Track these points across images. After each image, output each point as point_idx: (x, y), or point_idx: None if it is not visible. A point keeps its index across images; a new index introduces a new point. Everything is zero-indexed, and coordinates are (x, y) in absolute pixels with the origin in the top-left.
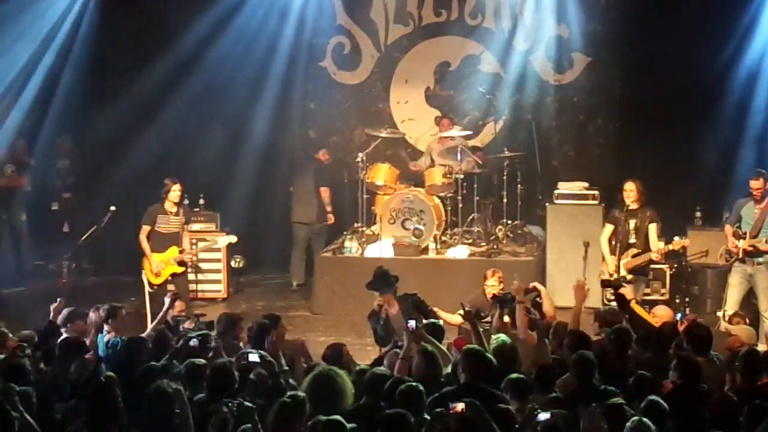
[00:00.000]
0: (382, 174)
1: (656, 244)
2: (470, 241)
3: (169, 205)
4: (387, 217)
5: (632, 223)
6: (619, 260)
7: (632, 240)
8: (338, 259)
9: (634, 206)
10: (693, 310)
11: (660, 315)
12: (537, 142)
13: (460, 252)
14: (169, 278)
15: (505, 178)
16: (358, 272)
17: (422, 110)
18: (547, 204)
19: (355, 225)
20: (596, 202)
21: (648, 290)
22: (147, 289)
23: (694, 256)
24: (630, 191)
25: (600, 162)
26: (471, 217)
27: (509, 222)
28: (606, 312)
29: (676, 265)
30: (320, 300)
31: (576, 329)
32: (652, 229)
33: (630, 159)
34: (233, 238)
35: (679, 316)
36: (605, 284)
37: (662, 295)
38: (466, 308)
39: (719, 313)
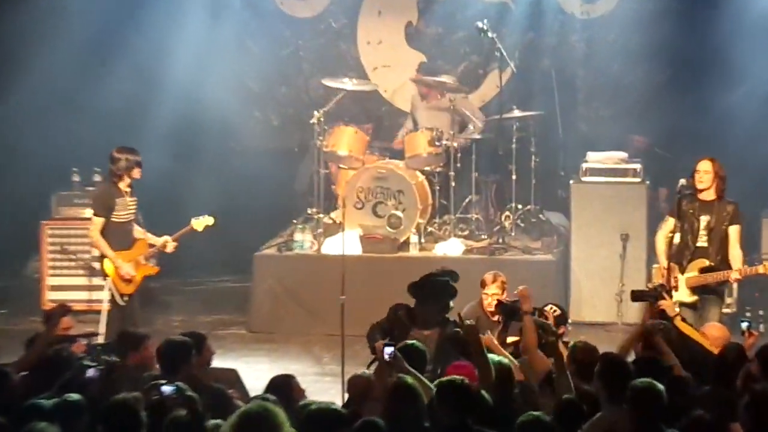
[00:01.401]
0: (346, 140)
1: (738, 257)
2: (466, 232)
3: (124, 185)
4: (353, 200)
5: (704, 220)
6: (678, 271)
7: (701, 243)
8: (285, 258)
9: (709, 197)
10: None
11: (713, 336)
12: (558, 97)
13: (452, 248)
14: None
15: (514, 147)
16: (313, 276)
17: (401, 54)
18: (571, 182)
19: (309, 211)
20: (638, 179)
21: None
22: (107, 306)
23: None
24: (704, 174)
25: (643, 125)
26: (467, 199)
27: (519, 207)
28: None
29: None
30: (261, 313)
31: (611, 353)
32: (733, 233)
33: (685, 121)
34: (210, 220)
35: (745, 325)
36: (636, 297)
37: (728, 305)
38: (466, 322)
39: None
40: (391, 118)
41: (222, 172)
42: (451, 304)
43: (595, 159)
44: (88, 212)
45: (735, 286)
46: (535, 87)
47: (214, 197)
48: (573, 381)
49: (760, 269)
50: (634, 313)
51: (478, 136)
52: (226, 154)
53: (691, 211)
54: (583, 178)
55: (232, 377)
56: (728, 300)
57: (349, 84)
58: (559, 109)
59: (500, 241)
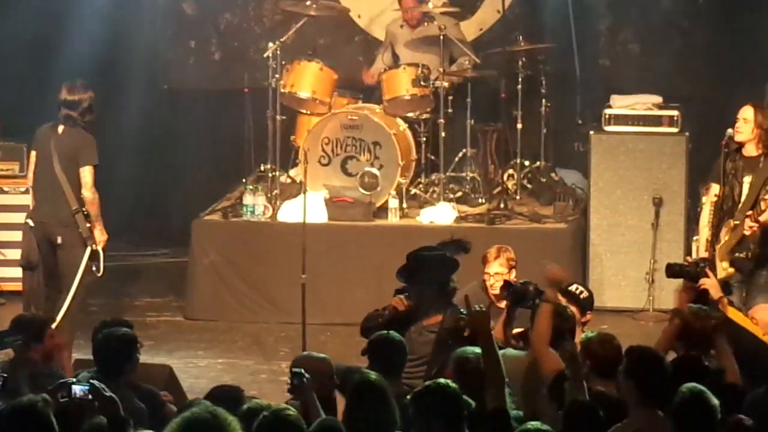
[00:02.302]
0: (308, 79)
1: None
2: (459, 195)
3: None
4: (317, 154)
5: (747, 182)
6: (713, 242)
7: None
8: (232, 227)
9: (753, 152)
10: None
11: (762, 320)
12: (575, 26)
13: (441, 214)
14: None
15: (519, 88)
16: (267, 249)
17: None
18: (591, 132)
19: (262, 167)
20: (676, 129)
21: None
22: (83, 276)
23: None
24: (743, 123)
25: (684, 62)
26: (461, 154)
27: (526, 164)
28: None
29: None
30: (201, 297)
31: (642, 347)
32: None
33: (732, 54)
34: None
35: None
36: (674, 273)
37: None
38: (475, 306)
39: None
40: (367, 52)
41: (152, 119)
42: (453, 282)
43: (621, 104)
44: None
45: None
46: (547, 12)
47: (142, 151)
48: (587, 380)
49: None
50: (668, 297)
51: (474, 74)
52: (156, 97)
53: (733, 171)
54: (606, 128)
55: (164, 376)
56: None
57: (312, 7)
58: (576, 40)
59: (502, 206)
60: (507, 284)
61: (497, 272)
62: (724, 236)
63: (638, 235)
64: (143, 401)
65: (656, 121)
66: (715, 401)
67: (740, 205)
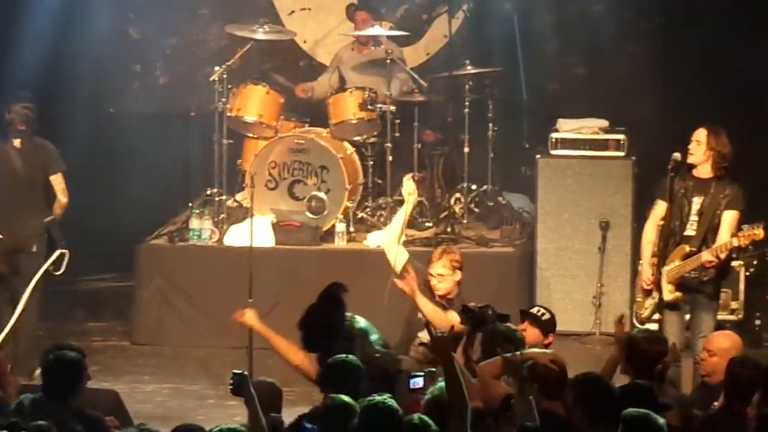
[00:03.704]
0: (255, 103)
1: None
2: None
3: None
4: (264, 178)
5: (696, 203)
6: (659, 263)
7: (690, 231)
8: (178, 250)
9: (705, 174)
10: None
11: (719, 348)
12: (522, 50)
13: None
14: None
15: (467, 111)
16: (213, 273)
17: None
18: (538, 156)
19: (208, 191)
20: (622, 153)
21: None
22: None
23: None
24: (696, 145)
25: (631, 86)
26: (409, 177)
27: (474, 188)
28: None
29: (755, 262)
30: (147, 321)
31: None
32: (728, 219)
33: (681, 79)
34: None
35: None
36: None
37: (733, 312)
38: (436, 333)
39: None
40: (310, 77)
41: (98, 143)
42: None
43: (567, 128)
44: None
45: (742, 287)
46: (494, 36)
47: (88, 175)
48: (536, 401)
49: (735, 242)
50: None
51: (421, 98)
52: (102, 121)
53: (682, 191)
54: (553, 152)
55: (110, 401)
56: (734, 305)
57: (259, 32)
58: (523, 64)
59: (449, 230)
60: (465, 309)
61: (440, 273)
62: (675, 259)
63: (585, 259)
64: (88, 427)
65: (603, 145)
66: (662, 421)
67: (690, 228)
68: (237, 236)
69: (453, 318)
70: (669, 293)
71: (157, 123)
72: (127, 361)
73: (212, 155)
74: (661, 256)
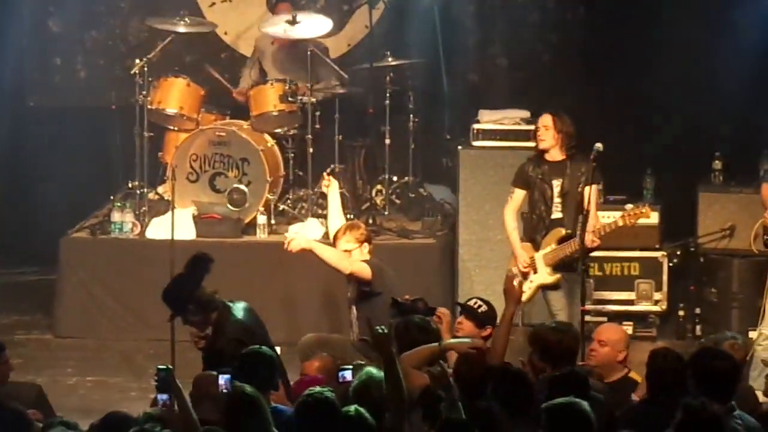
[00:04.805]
0: (175, 95)
1: (595, 219)
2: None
3: None
4: (185, 171)
5: (557, 185)
6: (533, 249)
7: (557, 214)
8: (100, 243)
9: (557, 157)
10: (709, 327)
11: (610, 339)
12: (442, 41)
13: (309, 230)
14: None
15: (387, 103)
16: (135, 266)
17: None
18: (459, 148)
19: (130, 184)
20: None
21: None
22: None
23: (711, 235)
24: (544, 130)
25: (552, 77)
26: (330, 169)
27: (395, 179)
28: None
29: (678, 252)
30: (69, 314)
31: (502, 362)
32: (591, 195)
33: (603, 69)
34: None
35: None
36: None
37: (656, 303)
38: (378, 329)
39: (753, 334)
40: (232, 69)
41: (17, 136)
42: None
43: (489, 119)
44: None
45: (665, 278)
46: (414, 27)
47: (7, 168)
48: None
49: (620, 221)
50: (539, 312)
51: (342, 90)
52: (21, 115)
53: (540, 177)
54: (474, 143)
55: (33, 394)
56: (657, 296)
57: (180, 25)
58: (443, 56)
59: (370, 221)
60: (395, 302)
61: (346, 249)
62: (551, 243)
63: (507, 251)
64: (10, 420)
65: (524, 135)
66: (586, 405)
67: (556, 211)
68: (158, 229)
69: (356, 263)
70: (549, 276)
71: (77, 116)
72: (50, 354)
73: (133, 148)
74: (530, 240)
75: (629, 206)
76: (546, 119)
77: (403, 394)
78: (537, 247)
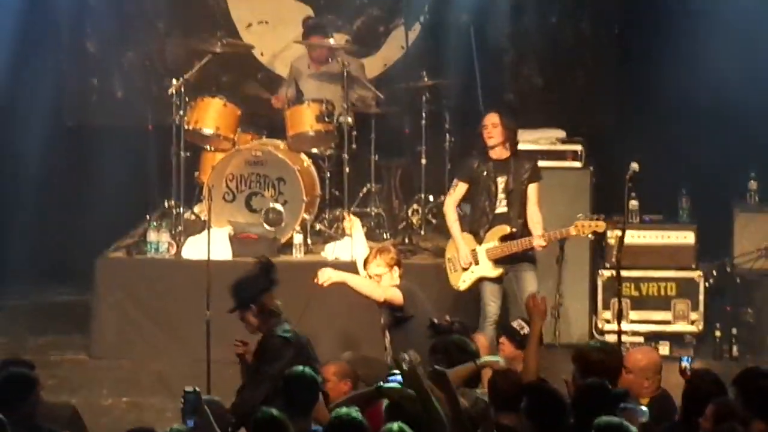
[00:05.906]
0: (212, 115)
1: (537, 219)
2: (364, 230)
3: None
4: (221, 191)
5: (501, 182)
6: (476, 242)
7: (501, 209)
8: (136, 263)
9: (503, 154)
10: (746, 347)
11: (636, 367)
12: (478, 61)
13: (345, 250)
14: None
15: (424, 123)
16: (171, 285)
17: (282, 6)
18: None
19: (166, 204)
20: (579, 163)
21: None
22: None
23: (747, 255)
24: (492, 128)
25: (587, 96)
26: (365, 189)
27: (431, 199)
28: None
29: (715, 272)
30: (105, 334)
31: (539, 382)
32: (532, 191)
33: (639, 90)
34: None
35: (685, 361)
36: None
37: (693, 323)
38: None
39: None
40: (269, 89)
41: (55, 156)
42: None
43: (524, 138)
44: None
45: (701, 298)
46: (450, 47)
47: (45, 188)
48: (493, 415)
49: (572, 231)
50: (576, 331)
51: (378, 110)
52: (59, 135)
53: (485, 173)
54: None
55: (67, 415)
56: (693, 316)
57: (217, 45)
58: (479, 76)
59: (407, 241)
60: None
61: (376, 273)
62: (494, 238)
63: (543, 270)
64: None
65: (560, 155)
66: (634, 429)
67: (500, 206)
68: (194, 249)
69: (388, 290)
70: (493, 269)
71: (114, 136)
72: (85, 375)
73: (170, 168)
74: (472, 233)
75: (581, 216)
76: (494, 117)
77: (443, 421)
78: (480, 241)
